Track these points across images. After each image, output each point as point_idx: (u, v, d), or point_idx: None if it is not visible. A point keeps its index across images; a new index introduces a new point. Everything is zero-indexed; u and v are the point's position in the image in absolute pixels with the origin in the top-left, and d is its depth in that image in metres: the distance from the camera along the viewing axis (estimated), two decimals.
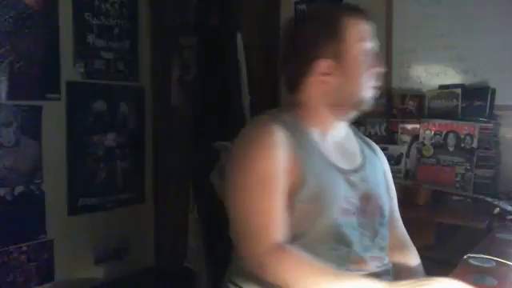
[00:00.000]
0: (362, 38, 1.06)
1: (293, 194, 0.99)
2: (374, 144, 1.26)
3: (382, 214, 1.11)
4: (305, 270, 0.92)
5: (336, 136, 1.13)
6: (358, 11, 1.09)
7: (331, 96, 1.08)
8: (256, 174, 0.99)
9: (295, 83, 1.11)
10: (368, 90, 1.08)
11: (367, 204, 1.08)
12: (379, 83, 1.10)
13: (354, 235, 1.02)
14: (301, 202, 0.99)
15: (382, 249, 1.08)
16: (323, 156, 1.06)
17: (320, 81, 1.07)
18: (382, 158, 1.24)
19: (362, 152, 1.17)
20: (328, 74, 1.06)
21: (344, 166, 1.09)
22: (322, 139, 1.09)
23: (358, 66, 1.06)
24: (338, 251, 1.00)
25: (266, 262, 0.95)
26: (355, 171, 1.10)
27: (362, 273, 1.00)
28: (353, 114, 1.13)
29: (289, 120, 1.07)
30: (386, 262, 1.09)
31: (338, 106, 1.09)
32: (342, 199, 1.03)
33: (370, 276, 0.99)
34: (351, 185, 1.06)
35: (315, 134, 1.08)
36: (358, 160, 1.14)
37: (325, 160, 1.06)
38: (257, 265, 0.96)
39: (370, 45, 1.07)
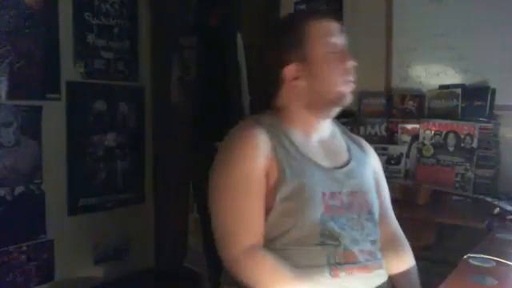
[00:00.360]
0: (322, 37, 1.08)
1: (275, 193, 1.01)
2: (363, 142, 1.27)
3: (369, 210, 1.12)
4: (272, 278, 0.96)
5: (320, 135, 1.15)
6: (315, 13, 1.12)
7: (306, 97, 1.10)
8: (233, 176, 1.03)
9: (271, 93, 1.14)
10: (342, 84, 1.10)
11: (354, 199, 1.09)
12: (353, 77, 1.11)
13: (340, 229, 1.03)
14: (283, 201, 1.01)
15: (371, 242, 1.09)
16: (305, 155, 1.08)
17: (292, 86, 1.10)
18: (371, 156, 1.25)
19: (349, 150, 1.19)
20: (297, 78, 1.09)
21: (328, 163, 1.11)
22: (305, 139, 1.11)
23: (324, 64, 1.08)
24: (325, 245, 1.01)
25: (240, 264, 0.99)
26: (340, 168, 1.12)
27: (353, 266, 1.02)
28: (334, 111, 1.14)
29: (272, 123, 1.10)
30: (378, 256, 1.09)
31: (314, 105, 1.11)
32: (327, 195, 1.05)
33: (362, 269, 1.01)
34: (336, 181, 1.08)
35: (298, 134, 1.11)
36: (344, 157, 1.16)
37: (307, 159, 1.08)
38: (232, 265, 1.00)
39: (333, 41, 1.09)
